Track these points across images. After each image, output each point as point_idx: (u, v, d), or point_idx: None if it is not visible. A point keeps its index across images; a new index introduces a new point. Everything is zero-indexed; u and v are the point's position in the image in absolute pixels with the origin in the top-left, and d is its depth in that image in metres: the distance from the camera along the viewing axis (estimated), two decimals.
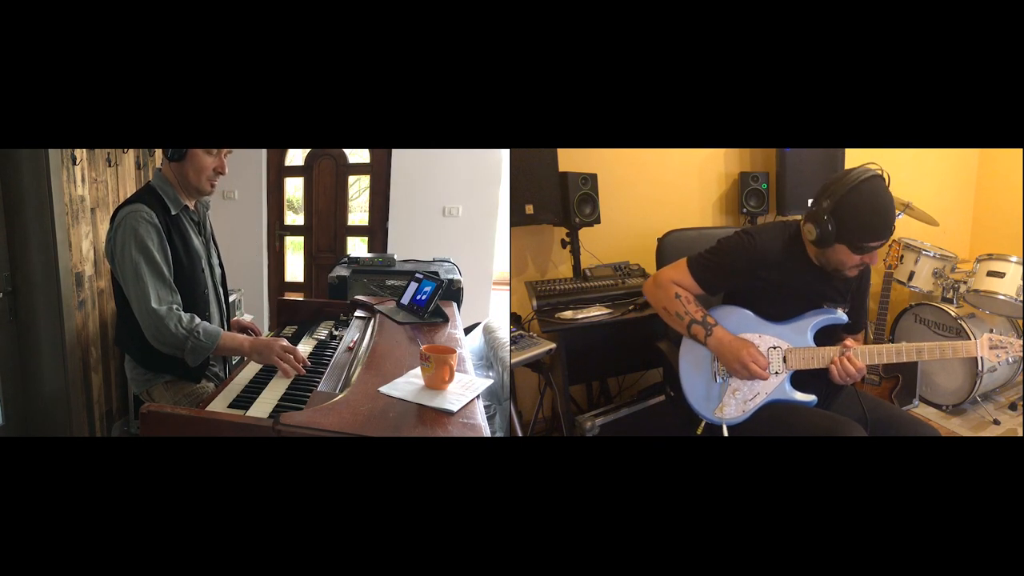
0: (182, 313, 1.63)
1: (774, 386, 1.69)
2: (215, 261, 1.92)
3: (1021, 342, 1.58)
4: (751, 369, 1.65)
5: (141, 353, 1.73)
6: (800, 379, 1.70)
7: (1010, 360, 1.60)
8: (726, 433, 1.71)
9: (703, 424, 1.76)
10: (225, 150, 1.77)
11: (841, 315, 1.70)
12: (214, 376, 1.89)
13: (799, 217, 1.70)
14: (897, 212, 2.66)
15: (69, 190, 2.49)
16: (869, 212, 1.54)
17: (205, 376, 1.84)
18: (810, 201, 1.61)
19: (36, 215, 2.37)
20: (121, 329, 1.78)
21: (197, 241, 1.80)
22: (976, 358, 2.69)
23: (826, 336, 1.72)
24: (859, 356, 1.62)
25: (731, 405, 1.72)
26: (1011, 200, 3.07)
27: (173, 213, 1.72)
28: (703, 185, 3.01)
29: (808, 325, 1.69)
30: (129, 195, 1.81)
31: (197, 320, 1.65)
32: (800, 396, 1.69)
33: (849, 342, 1.65)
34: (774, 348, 1.69)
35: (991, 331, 1.53)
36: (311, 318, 2.39)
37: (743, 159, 3.06)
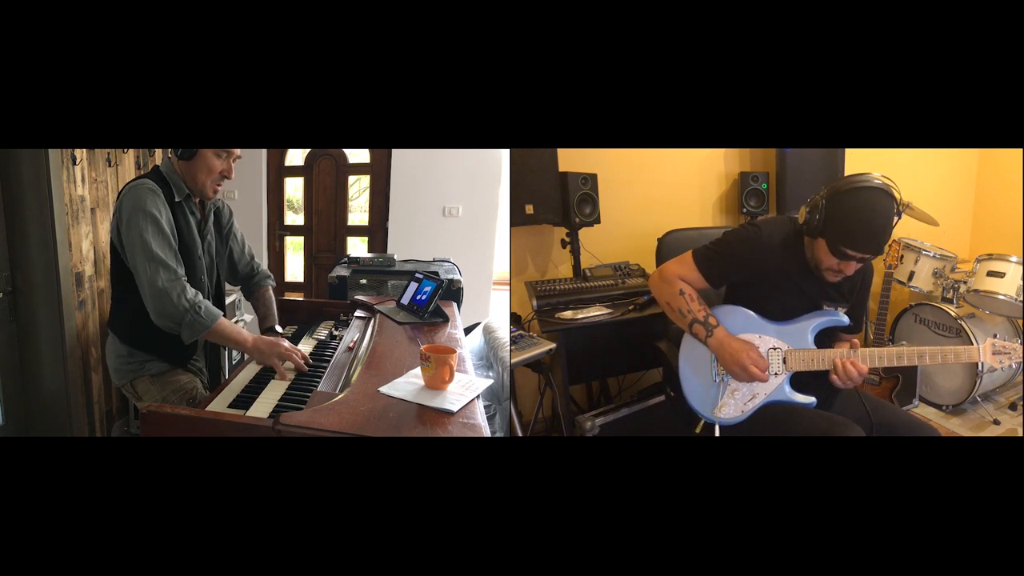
0: (188, 286, 1.61)
1: (773, 387, 1.69)
2: (215, 255, 1.92)
3: (1022, 348, 1.57)
4: (751, 371, 1.65)
5: (131, 332, 1.72)
6: (800, 380, 1.70)
7: (1013, 366, 1.58)
8: (718, 433, 1.71)
9: (702, 423, 1.76)
10: (235, 155, 1.77)
11: (842, 317, 1.70)
12: (198, 371, 1.88)
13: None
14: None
15: (69, 190, 2.49)
16: (855, 219, 1.53)
17: (187, 368, 1.83)
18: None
19: (36, 215, 2.37)
20: (114, 310, 1.78)
21: (196, 231, 1.80)
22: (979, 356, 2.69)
23: (825, 336, 1.72)
24: (860, 359, 1.61)
25: (730, 405, 1.72)
26: (1011, 200, 3.07)
27: (177, 200, 1.72)
28: (703, 185, 3.01)
29: (809, 326, 1.69)
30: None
31: (200, 296, 1.63)
32: (800, 398, 1.68)
33: (854, 343, 1.65)
34: (774, 349, 1.69)
35: (995, 336, 1.53)
36: (311, 318, 2.39)
37: (743, 159, 3.06)
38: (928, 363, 1.63)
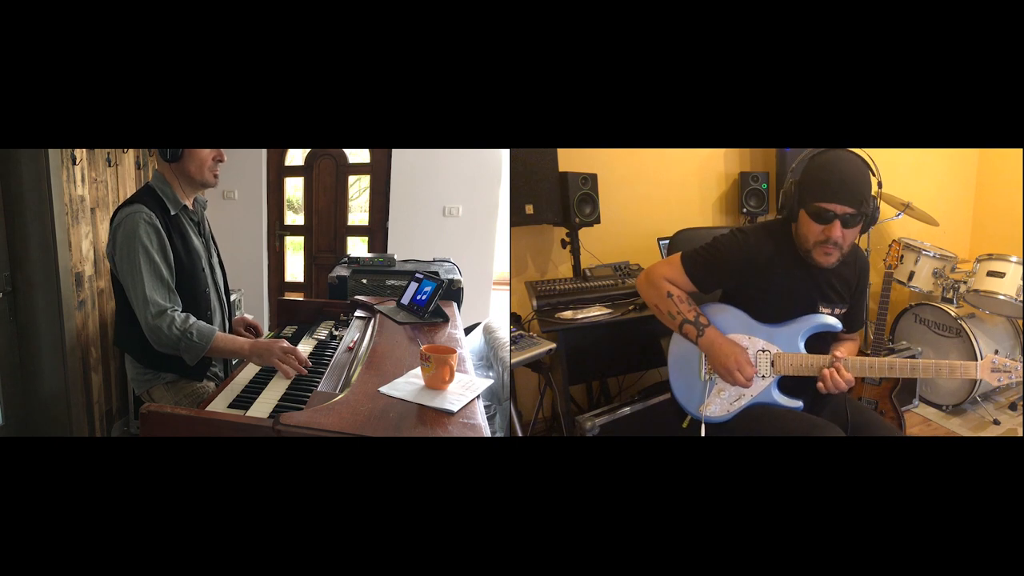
0: (176, 314, 1.63)
1: (760, 389, 1.69)
2: (215, 261, 1.92)
3: (1022, 367, 1.54)
4: (735, 377, 1.66)
5: (142, 352, 1.73)
6: (788, 384, 1.69)
7: (1013, 384, 1.56)
8: (703, 433, 1.72)
9: (689, 418, 1.78)
10: None
11: (835, 323, 1.67)
12: (215, 376, 1.90)
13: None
14: (896, 212, 2.67)
15: (69, 190, 2.49)
16: (827, 171, 1.56)
17: (207, 376, 1.84)
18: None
19: (36, 215, 2.37)
20: (122, 329, 1.79)
21: (197, 241, 1.81)
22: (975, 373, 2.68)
23: (819, 340, 1.70)
24: (849, 368, 1.60)
25: (716, 404, 1.73)
26: (1011, 200, 3.07)
27: (172, 213, 1.73)
28: (703, 185, 3.01)
29: (800, 330, 1.66)
30: (129, 195, 1.81)
31: (192, 320, 1.65)
32: (786, 401, 1.67)
33: (839, 353, 1.64)
34: (763, 351, 1.68)
35: (996, 352, 1.52)
36: (311, 318, 2.39)
37: (743, 159, 3.06)
38: (921, 376, 1.61)
